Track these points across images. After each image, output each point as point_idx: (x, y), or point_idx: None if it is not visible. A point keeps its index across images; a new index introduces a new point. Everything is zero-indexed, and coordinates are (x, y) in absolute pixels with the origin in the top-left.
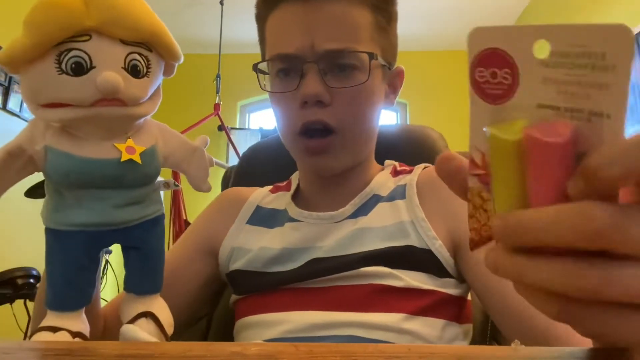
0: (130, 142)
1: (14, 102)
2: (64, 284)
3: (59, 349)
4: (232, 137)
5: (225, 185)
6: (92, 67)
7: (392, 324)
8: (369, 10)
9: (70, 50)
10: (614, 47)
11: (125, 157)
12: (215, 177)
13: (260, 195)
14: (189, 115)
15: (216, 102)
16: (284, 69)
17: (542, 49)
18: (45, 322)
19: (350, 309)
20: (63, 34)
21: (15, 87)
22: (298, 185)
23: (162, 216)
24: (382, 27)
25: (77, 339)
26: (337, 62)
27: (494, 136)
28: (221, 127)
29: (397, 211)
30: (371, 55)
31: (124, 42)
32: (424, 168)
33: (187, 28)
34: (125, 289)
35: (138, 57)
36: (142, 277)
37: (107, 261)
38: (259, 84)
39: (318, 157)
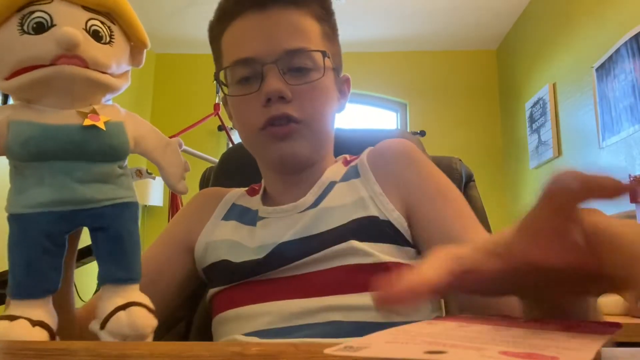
0: (94, 109)
1: None
2: (25, 269)
3: (59, 348)
4: (232, 137)
5: (204, 185)
6: (52, 26)
7: (370, 303)
8: (316, 20)
9: (32, 12)
10: None
11: (88, 122)
12: (195, 178)
13: (237, 194)
14: (189, 115)
15: (216, 102)
16: (245, 77)
17: None
18: (6, 312)
19: (326, 292)
20: None
21: None
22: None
23: (135, 204)
24: (329, 36)
25: (37, 328)
26: (294, 62)
27: None
28: (221, 127)
29: (354, 189)
30: (324, 53)
31: (85, 8)
32: (370, 149)
33: (187, 28)
34: (100, 281)
35: (99, 23)
36: (115, 261)
37: None
38: (222, 92)
39: (283, 143)
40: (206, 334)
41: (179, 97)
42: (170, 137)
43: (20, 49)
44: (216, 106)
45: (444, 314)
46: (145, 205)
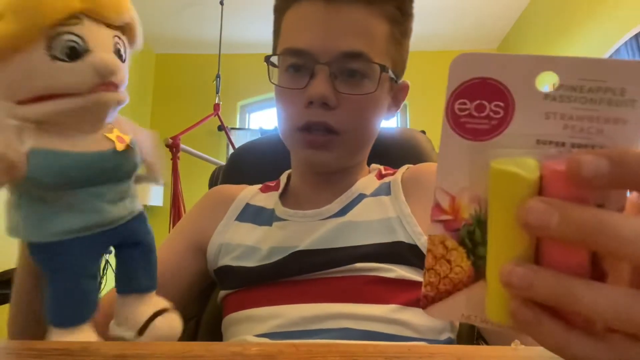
0: (117, 131)
1: None
2: (74, 297)
3: (59, 348)
4: (232, 137)
5: (213, 185)
6: (86, 51)
7: (383, 314)
8: (387, 22)
9: (61, 34)
10: (635, 83)
11: (120, 146)
12: (204, 177)
13: (250, 193)
14: (189, 115)
15: (216, 102)
16: (295, 65)
17: (546, 81)
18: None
19: (341, 300)
20: (55, 17)
21: None
22: (287, 184)
23: (144, 211)
24: (397, 41)
25: None
26: (349, 66)
27: (506, 173)
28: (221, 127)
29: (382, 207)
30: (383, 68)
31: (108, 26)
32: (407, 168)
33: (187, 28)
34: (120, 291)
35: (119, 41)
36: (146, 272)
37: (107, 261)
38: (268, 77)
39: (316, 151)
40: (215, 333)
41: (179, 97)
42: (171, 138)
43: (53, 77)
44: (216, 106)
45: (455, 337)
46: (145, 206)
